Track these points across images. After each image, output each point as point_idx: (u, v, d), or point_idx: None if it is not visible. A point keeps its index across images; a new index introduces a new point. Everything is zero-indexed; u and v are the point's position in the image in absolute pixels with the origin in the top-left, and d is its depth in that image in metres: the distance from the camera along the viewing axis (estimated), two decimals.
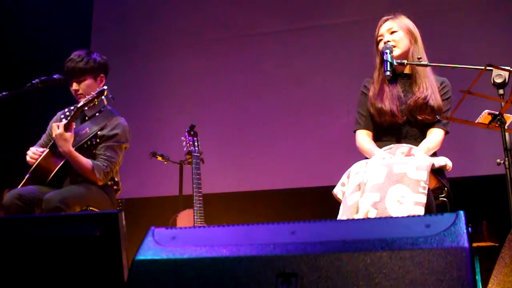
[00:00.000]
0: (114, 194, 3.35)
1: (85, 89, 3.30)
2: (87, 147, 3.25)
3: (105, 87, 3.17)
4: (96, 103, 3.21)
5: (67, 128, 3.10)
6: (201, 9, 5.45)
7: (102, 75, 3.38)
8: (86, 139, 3.25)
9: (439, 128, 2.86)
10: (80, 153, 3.23)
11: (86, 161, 3.15)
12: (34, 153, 3.21)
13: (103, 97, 3.16)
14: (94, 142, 3.26)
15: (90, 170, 3.14)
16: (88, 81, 3.32)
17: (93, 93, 3.14)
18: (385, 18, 3.00)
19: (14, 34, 5.50)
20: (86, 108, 3.20)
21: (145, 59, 5.49)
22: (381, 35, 2.95)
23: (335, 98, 4.78)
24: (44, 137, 3.46)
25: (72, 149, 3.12)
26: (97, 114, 3.34)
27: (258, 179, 4.90)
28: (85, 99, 3.15)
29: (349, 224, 1.35)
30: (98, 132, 3.27)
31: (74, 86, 3.33)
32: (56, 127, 3.12)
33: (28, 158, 3.22)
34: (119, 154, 3.28)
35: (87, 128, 3.27)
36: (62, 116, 3.42)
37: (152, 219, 3.86)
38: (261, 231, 1.34)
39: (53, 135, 3.13)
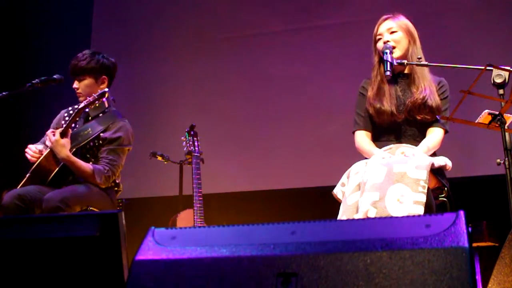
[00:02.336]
0: (115, 194, 3.35)
1: (84, 88, 3.29)
2: (89, 148, 3.24)
3: (106, 89, 3.15)
4: (97, 105, 3.20)
5: (63, 134, 3.10)
6: (201, 9, 5.45)
7: (104, 76, 3.33)
8: (89, 139, 3.23)
9: (438, 127, 2.86)
10: (82, 153, 3.22)
11: (86, 165, 3.14)
12: (35, 152, 3.21)
13: (104, 99, 3.14)
14: (96, 144, 3.25)
15: (91, 174, 3.12)
16: (88, 81, 3.30)
17: (94, 95, 3.13)
18: (384, 17, 2.99)
19: (15, 34, 5.50)
20: (87, 110, 3.19)
21: (145, 59, 5.49)
22: (380, 34, 2.95)
23: (335, 98, 4.78)
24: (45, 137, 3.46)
25: (70, 154, 3.10)
26: (100, 115, 3.32)
27: (258, 179, 4.90)
28: (86, 100, 3.14)
29: (349, 224, 1.35)
30: (101, 134, 3.25)
31: (75, 84, 3.32)
32: (52, 135, 3.11)
33: (28, 156, 3.21)
34: (122, 157, 3.27)
35: (90, 129, 3.25)
36: (66, 114, 3.41)
37: (152, 219, 3.85)
38: (261, 231, 1.35)
39: (49, 143, 3.12)
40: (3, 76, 5.16)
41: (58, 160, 3.18)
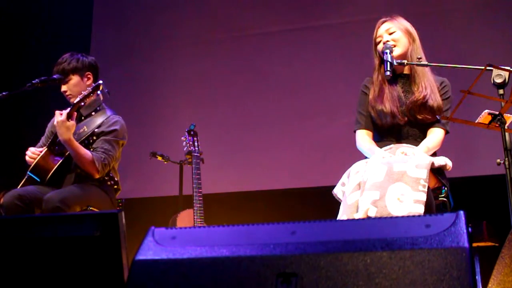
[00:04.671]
0: (114, 194, 3.35)
1: (72, 88, 3.33)
2: (84, 146, 3.24)
3: (100, 82, 3.18)
4: (93, 98, 3.23)
5: (70, 116, 3.10)
6: (201, 9, 5.45)
7: (88, 73, 3.39)
8: (84, 137, 3.25)
9: (439, 127, 2.86)
10: None
11: (86, 152, 3.15)
12: (34, 153, 3.21)
13: (98, 92, 3.17)
14: (91, 141, 3.26)
15: (90, 160, 3.13)
16: (74, 80, 3.34)
17: (89, 89, 3.16)
18: (382, 19, 3.00)
19: (15, 35, 5.50)
20: (83, 104, 3.20)
21: (145, 59, 5.49)
22: (379, 36, 2.95)
23: (335, 98, 4.78)
24: (43, 139, 3.46)
25: (72, 138, 3.11)
26: (93, 113, 3.35)
27: (258, 179, 4.90)
28: (82, 95, 3.15)
29: (349, 224, 1.35)
30: (96, 130, 3.28)
31: (63, 88, 3.36)
32: (59, 114, 3.11)
33: (27, 158, 3.22)
34: (116, 149, 3.28)
35: (85, 127, 3.28)
36: None
37: (152, 219, 3.86)
38: (261, 231, 1.35)
39: (55, 122, 3.12)
40: (3, 76, 5.17)
41: (56, 158, 3.19)
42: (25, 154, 3.25)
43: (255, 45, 5.20)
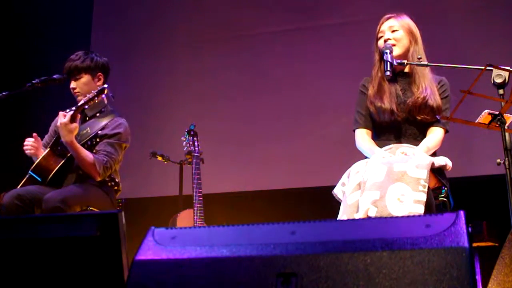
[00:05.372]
0: (114, 194, 3.35)
1: (82, 87, 3.32)
2: (87, 148, 3.24)
3: (106, 86, 3.18)
4: (97, 101, 3.23)
5: (73, 118, 3.10)
6: (201, 9, 5.45)
7: (99, 73, 3.38)
8: (87, 139, 3.24)
9: (438, 127, 2.86)
10: None
11: (88, 154, 3.14)
12: (33, 142, 3.22)
13: (103, 95, 3.17)
14: (94, 142, 3.26)
15: (91, 163, 3.12)
16: (85, 79, 3.33)
17: (94, 92, 3.15)
18: (387, 16, 3.00)
19: (15, 34, 5.50)
20: (87, 107, 3.20)
21: (145, 59, 5.49)
22: (381, 32, 2.96)
23: (335, 98, 4.78)
24: (46, 137, 3.46)
25: (74, 140, 3.11)
26: (98, 114, 3.34)
27: (258, 179, 4.90)
28: (86, 97, 3.15)
29: (349, 224, 1.35)
30: (99, 132, 3.27)
31: (72, 84, 3.35)
32: (62, 116, 3.10)
33: (24, 148, 3.22)
34: (119, 152, 3.28)
35: (88, 128, 3.27)
36: None
37: (152, 219, 3.85)
38: (261, 231, 1.35)
39: (58, 123, 3.12)
40: (3, 76, 5.16)
41: (58, 159, 3.19)
42: (25, 154, 3.25)
43: (255, 45, 5.20)
